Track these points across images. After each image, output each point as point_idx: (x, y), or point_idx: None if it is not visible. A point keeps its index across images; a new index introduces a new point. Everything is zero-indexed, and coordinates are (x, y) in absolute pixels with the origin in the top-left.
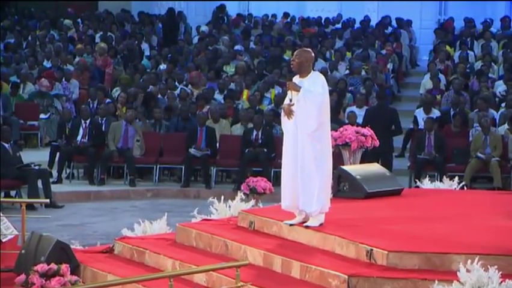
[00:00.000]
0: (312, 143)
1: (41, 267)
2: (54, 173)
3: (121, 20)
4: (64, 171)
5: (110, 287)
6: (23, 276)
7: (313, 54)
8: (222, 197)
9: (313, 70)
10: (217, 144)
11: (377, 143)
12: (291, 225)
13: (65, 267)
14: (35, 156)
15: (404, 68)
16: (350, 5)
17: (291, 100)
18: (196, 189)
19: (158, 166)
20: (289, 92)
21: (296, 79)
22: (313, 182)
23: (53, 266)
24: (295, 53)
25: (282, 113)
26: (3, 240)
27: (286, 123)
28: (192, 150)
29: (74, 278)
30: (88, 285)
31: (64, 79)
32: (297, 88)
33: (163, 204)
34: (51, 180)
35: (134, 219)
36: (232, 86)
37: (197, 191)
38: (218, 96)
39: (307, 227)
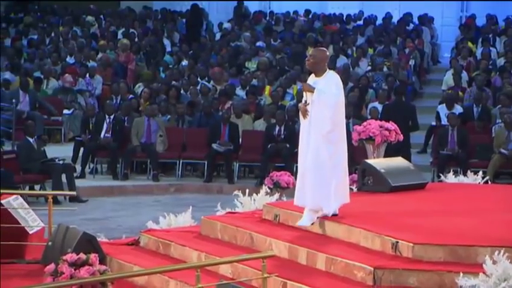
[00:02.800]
0: (327, 143)
1: (70, 256)
2: (78, 167)
3: (143, 17)
4: (87, 166)
5: (138, 277)
6: (52, 266)
7: (328, 54)
8: (247, 191)
9: (329, 69)
10: (240, 140)
11: (401, 137)
12: (312, 223)
13: (93, 257)
14: (59, 152)
15: (426, 64)
16: (371, 3)
17: (306, 101)
18: (219, 184)
19: (181, 161)
20: (304, 93)
21: (311, 78)
22: (328, 182)
23: (82, 255)
24: (310, 52)
25: (300, 113)
26: (30, 232)
27: (302, 124)
28: (215, 146)
29: (103, 267)
30: (117, 274)
31: (87, 75)
32: (311, 89)
33: (186, 199)
34: (74, 175)
35: (158, 213)
36: (254, 82)
37: (220, 186)
38: (240, 92)
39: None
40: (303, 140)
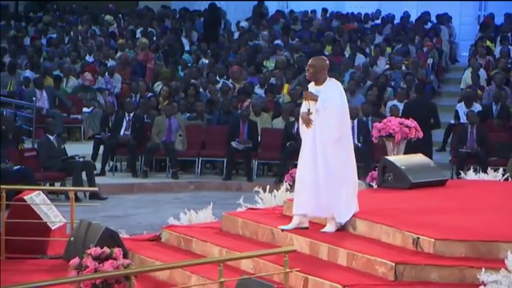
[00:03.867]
0: (336, 151)
1: (94, 250)
2: (98, 165)
3: (161, 16)
4: (107, 164)
5: (160, 273)
6: (76, 260)
7: (328, 62)
8: (268, 187)
9: (329, 77)
10: (259, 138)
11: (420, 134)
12: (282, 230)
13: (118, 251)
14: (78, 149)
15: (444, 63)
16: (389, 3)
17: (309, 110)
18: (238, 182)
19: (200, 159)
20: (305, 102)
21: (312, 87)
22: (342, 189)
23: (106, 249)
24: (310, 61)
25: (300, 122)
26: (53, 228)
27: (304, 132)
28: (234, 144)
29: (127, 261)
30: (140, 268)
31: (106, 73)
32: (314, 98)
33: (205, 197)
34: (94, 172)
35: (178, 210)
36: (272, 80)
37: (239, 184)
38: (259, 91)
39: (324, 232)
40: (305, 149)
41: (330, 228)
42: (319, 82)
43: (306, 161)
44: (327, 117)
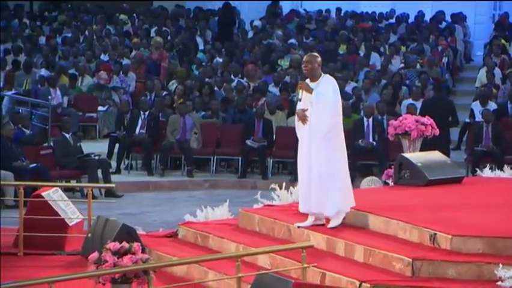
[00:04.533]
0: (325, 145)
1: (113, 245)
2: (113, 164)
3: (175, 15)
4: (122, 162)
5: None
6: (95, 254)
7: (320, 58)
8: (284, 184)
9: (323, 73)
10: (274, 136)
11: (436, 131)
12: (299, 227)
13: (136, 246)
14: (93, 148)
15: (459, 62)
16: (403, 3)
17: (300, 100)
18: (253, 180)
19: (215, 157)
20: (300, 91)
21: (308, 83)
22: (328, 184)
23: (125, 244)
24: (305, 59)
25: (296, 118)
26: (70, 224)
27: (300, 129)
28: (249, 142)
29: (146, 256)
30: (159, 263)
31: (121, 72)
32: (309, 89)
33: (220, 195)
34: (110, 170)
35: (193, 208)
36: (286, 79)
37: (254, 182)
38: (273, 89)
39: (331, 228)
40: (303, 145)
41: (333, 223)
42: (314, 78)
43: (302, 157)
44: (319, 110)
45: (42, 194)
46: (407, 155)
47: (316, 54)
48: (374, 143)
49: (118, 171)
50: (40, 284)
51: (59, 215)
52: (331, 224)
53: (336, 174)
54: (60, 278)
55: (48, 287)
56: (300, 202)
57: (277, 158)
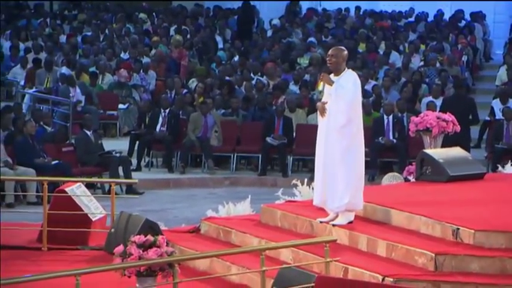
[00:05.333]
0: (340, 139)
1: (138, 238)
2: (133, 161)
3: (194, 14)
4: (142, 159)
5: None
6: (121, 247)
7: (346, 52)
8: (306, 180)
9: (347, 68)
10: (294, 134)
11: (458, 128)
12: (321, 222)
13: (161, 239)
14: (114, 146)
15: (478, 61)
16: (422, 3)
17: (321, 92)
18: (273, 177)
19: (235, 155)
20: (321, 84)
21: (332, 78)
22: (338, 179)
23: (150, 237)
24: (330, 52)
25: (318, 112)
26: (93, 220)
27: (320, 121)
28: (269, 139)
29: (170, 249)
30: (184, 256)
31: (141, 70)
32: (330, 82)
33: (241, 192)
34: (130, 168)
35: (213, 205)
36: (306, 77)
37: (274, 180)
38: (293, 87)
39: (334, 225)
40: (320, 138)
41: (340, 220)
42: (338, 72)
43: (318, 149)
44: (337, 103)
45: (66, 189)
46: (428, 151)
47: (342, 48)
48: (394, 140)
49: (138, 168)
50: (67, 276)
51: (83, 210)
52: (338, 221)
53: (349, 171)
54: (87, 271)
55: (74, 279)
56: (314, 195)
57: (297, 155)
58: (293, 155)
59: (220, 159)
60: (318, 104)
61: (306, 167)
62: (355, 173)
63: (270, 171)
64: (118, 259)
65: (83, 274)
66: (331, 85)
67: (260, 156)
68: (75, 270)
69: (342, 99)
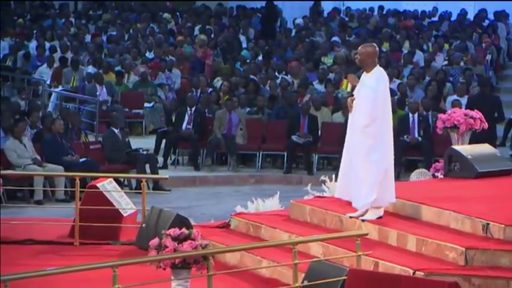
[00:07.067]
0: (363, 138)
1: (173, 231)
2: (160, 159)
3: (218, 14)
4: (169, 157)
5: (230, 258)
6: (156, 240)
7: (377, 49)
8: (333, 177)
9: (378, 66)
10: (319, 132)
11: (485, 125)
12: (350, 217)
13: (196, 232)
14: (140, 144)
15: (502, 60)
16: (445, 3)
17: (349, 91)
18: (298, 175)
19: (261, 153)
20: (347, 83)
21: (363, 75)
22: (362, 178)
23: (185, 230)
24: (358, 48)
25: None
26: (124, 215)
27: (349, 117)
28: (294, 137)
29: (205, 242)
30: (218, 249)
31: (166, 69)
32: (355, 81)
33: (266, 190)
34: (157, 165)
35: (239, 202)
36: (330, 76)
37: (299, 178)
38: (318, 86)
39: (363, 220)
40: (347, 134)
41: (370, 215)
42: (367, 69)
43: (346, 144)
44: (361, 102)
45: (97, 185)
46: (457, 147)
47: (367, 44)
48: (420, 138)
49: (164, 166)
50: (104, 268)
51: (114, 206)
52: (366, 216)
53: (374, 169)
54: (124, 262)
55: (108, 272)
56: (337, 187)
57: (323, 153)
58: (318, 153)
59: (246, 158)
60: (348, 99)
61: (330, 165)
62: (381, 170)
63: (295, 169)
64: (153, 252)
65: (121, 266)
66: (355, 85)
67: (285, 154)
68: (112, 262)
69: (365, 99)
